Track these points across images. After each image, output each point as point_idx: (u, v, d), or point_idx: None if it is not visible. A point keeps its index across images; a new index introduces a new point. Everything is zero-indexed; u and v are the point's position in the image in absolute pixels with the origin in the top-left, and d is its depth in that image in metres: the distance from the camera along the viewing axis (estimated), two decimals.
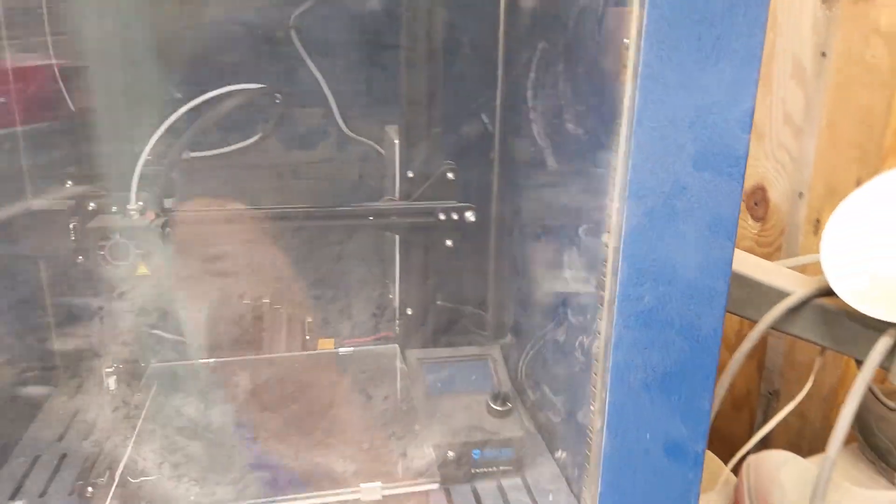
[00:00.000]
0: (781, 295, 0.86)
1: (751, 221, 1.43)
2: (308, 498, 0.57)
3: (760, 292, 0.89)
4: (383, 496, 0.57)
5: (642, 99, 0.56)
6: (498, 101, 0.98)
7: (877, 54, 1.14)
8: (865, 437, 0.96)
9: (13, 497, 0.72)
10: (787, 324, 0.86)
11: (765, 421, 1.27)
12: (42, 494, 0.73)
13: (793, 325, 0.86)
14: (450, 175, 0.82)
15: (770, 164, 1.37)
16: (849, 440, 1.03)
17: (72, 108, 0.73)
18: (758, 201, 1.41)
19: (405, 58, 0.82)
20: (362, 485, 0.56)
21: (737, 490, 0.82)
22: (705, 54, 0.56)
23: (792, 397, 0.94)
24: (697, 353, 0.64)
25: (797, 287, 0.86)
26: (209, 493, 0.54)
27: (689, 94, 0.57)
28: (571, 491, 0.76)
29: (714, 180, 0.59)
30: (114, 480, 0.57)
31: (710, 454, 1.12)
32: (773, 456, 0.82)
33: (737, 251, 1.02)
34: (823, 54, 1.20)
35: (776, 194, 1.37)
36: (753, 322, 0.88)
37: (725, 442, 1.17)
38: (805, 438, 1.35)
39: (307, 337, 0.95)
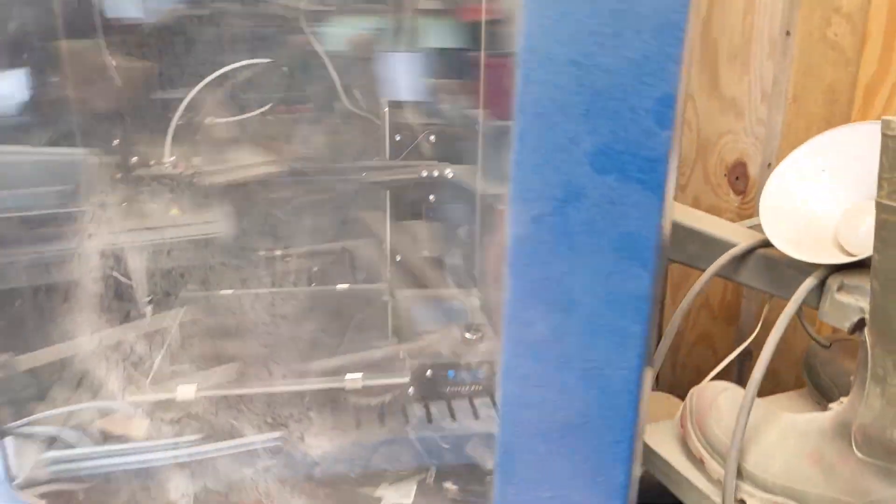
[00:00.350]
0: (729, 246, 0.97)
1: (732, 195, 1.53)
2: (304, 384, 0.70)
3: (711, 245, 1.00)
4: (363, 386, 0.70)
5: (523, 77, 0.46)
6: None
7: (839, 32, 1.24)
8: (812, 381, 1.07)
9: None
10: (732, 272, 0.97)
11: (741, 382, 1.38)
12: None
13: (738, 274, 0.97)
14: (432, 138, 0.95)
15: (749, 140, 1.47)
16: (799, 385, 1.14)
17: (118, 82, 0.88)
18: (738, 176, 1.51)
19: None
20: (347, 375, 0.70)
21: (681, 416, 0.93)
22: (602, 21, 0.45)
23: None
24: (604, 406, 0.53)
25: (743, 240, 0.97)
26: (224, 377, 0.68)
27: (583, 72, 0.46)
28: None
29: (621, 187, 0.48)
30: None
31: (672, 397, 1.23)
32: (715, 385, 0.93)
33: (693, 210, 1.14)
34: (788, 33, 1.30)
35: (755, 168, 1.47)
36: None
37: None
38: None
39: (311, 285, 1.09)
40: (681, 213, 1.10)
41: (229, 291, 0.92)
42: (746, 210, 1.53)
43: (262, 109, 1.02)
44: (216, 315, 0.85)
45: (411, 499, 0.87)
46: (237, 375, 0.71)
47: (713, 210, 1.52)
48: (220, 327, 0.81)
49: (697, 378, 1.66)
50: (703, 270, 1.03)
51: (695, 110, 1.55)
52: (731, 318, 1.60)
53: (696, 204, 1.57)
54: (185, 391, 0.67)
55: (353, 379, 0.70)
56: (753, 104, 1.44)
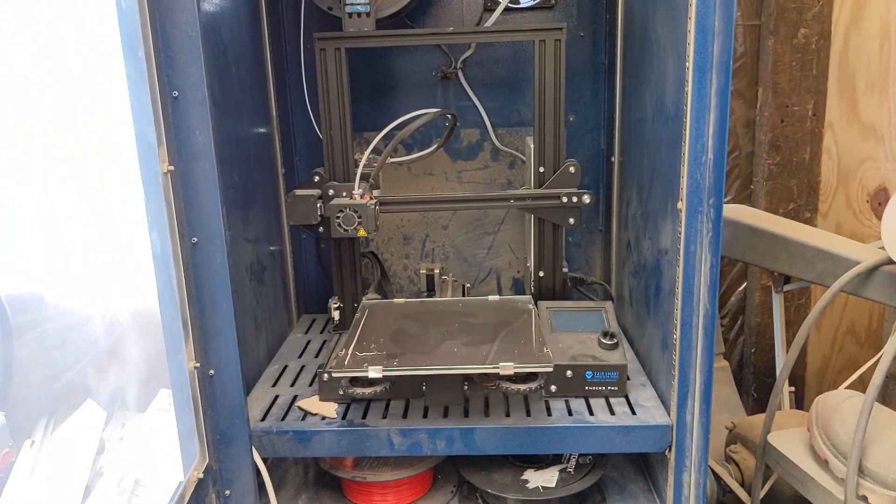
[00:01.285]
0: (854, 264, 1.04)
1: (875, 221, 1.54)
2: (466, 368, 0.87)
3: (838, 263, 1.07)
4: (515, 372, 0.86)
5: None
6: (618, 114, 1.26)
7: None
8: None
9: (273, 385, 1.10)
10: (859, 288, 1.03)
11: (884, 401, 1.38)
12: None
13: (864, 290, 1.03)
14: (571, 169, 1.11)
15: (891, 165, 1.49)
16: None
17: (320, 135, 1.12)
18: (881, 201, 1.53)
19: (537, 73, 1.11)
20: (500, 363, 0.86)
21: (808, 421, 1.00)
22: None
23: None
24: None
25: (869, 258, 1.03)
26: (400, 362, 0.87)
27: None
28: (664, 407, 1.00)
29: None
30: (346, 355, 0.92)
31: (805, 413, 1.27)
32: (839, 392, 1.00)
33: (820, 231, 1.20)
34: None
35: None
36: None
37: None
38: None
39: (466, 295, 1.27)
40: (810, 234, 1.17)
41: (402, 300, 1.12)
42: None
43: (430, 150, 1.23)
44: (393, 317, 1.05)
45: (554, 483, 1.02)
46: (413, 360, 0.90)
47: (856, 235, 1.54)
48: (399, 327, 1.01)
49: None
50: (824, 284, 1.10)
51: (834, 138, 1.59)
52: (877, 345, 1.59)
53: (839, 230, 1.60)
54: (374, 371, 0.87)
55: (506, 366, 0.86)
56: (893, 130, 1.46)
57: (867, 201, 1.55)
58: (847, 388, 1.10)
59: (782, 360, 1.37)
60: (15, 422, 1.44)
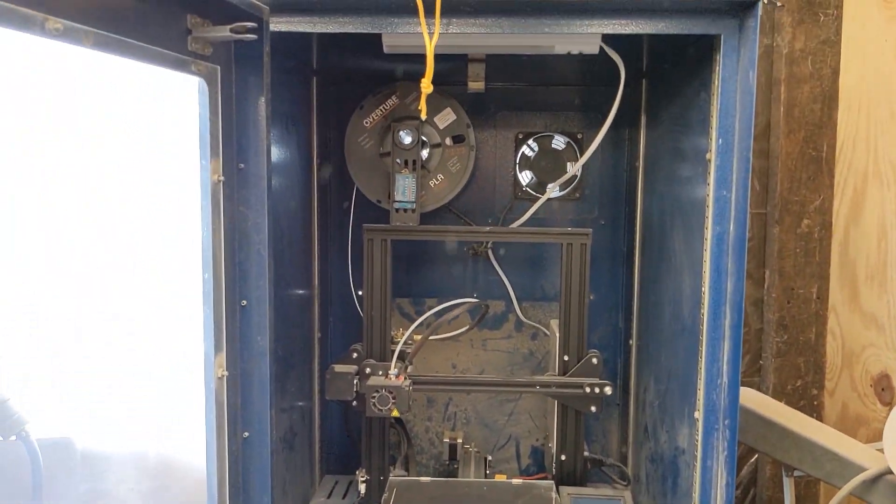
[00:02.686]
0: (859, 468, 1.09)
1: (879, 406, 1.60)
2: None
3: (845, 466, 1.12)
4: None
5: None
6: (636, 298, 1.36)
7: None
8: None
9: None
10: (865, 493, 1.08)
11: None
12: None
13: (869, 495, 1.08)
14: (594, 360, 1.19)
15: (892, 354, 1.57)
16: None
17: (358, 307, 1.22)
18: (884, 387, 1.59)
19: (563, 272, 1.21)
20: None
21: None
22: None
23: None
24: None
25: (874, 464, 1.09)
26: None
27: None
28: None
29: None
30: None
31: None
32: None
33: (827, 427, 1.26)
34: None
35: None
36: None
37: None
38: None
39: (487, 471, 1.32)
40: (819, 431, 1.23)
41: (428, 480, 1.18)
42: None
43: (463, 331, 1.32)
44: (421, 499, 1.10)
45: None
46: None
47: (861, 419, 1.60)
48: None
49: None
50: (838, 487, 1.15)
51: (838, 322, 1.68)
52: None
53: (845, 410, 1.65)
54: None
55: None
56: (893, 321, 1.55)
57: (871, 385, 1.61)
58: None
59: None
60: None
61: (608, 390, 1.17)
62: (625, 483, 1.31)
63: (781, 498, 1.72)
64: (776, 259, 1.67)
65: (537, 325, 1.46)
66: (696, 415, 0.97)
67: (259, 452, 0.90)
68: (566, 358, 1.21)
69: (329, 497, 1.36)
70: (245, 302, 0.88)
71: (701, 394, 0.96)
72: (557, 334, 1.23)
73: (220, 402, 0.85)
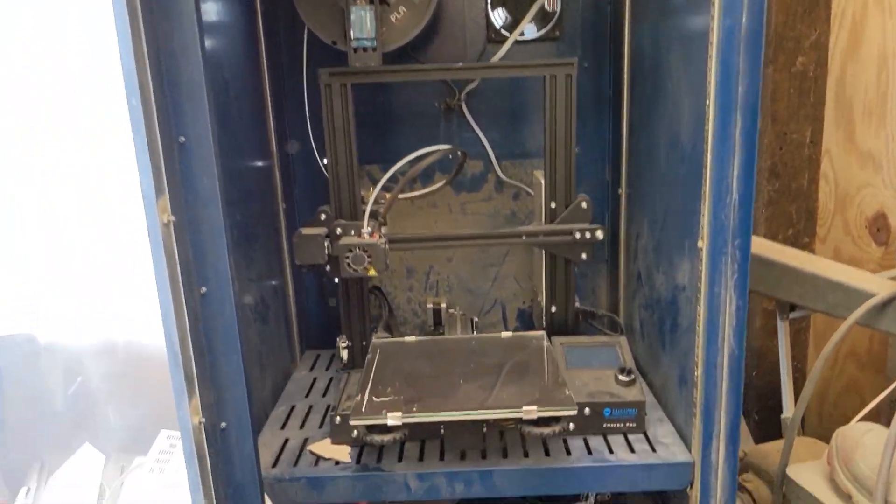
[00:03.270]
0: (869, 296, 1.03)
1: (874, 246, 1.54)
2: (489, 413, 0.84)
3: (852, 295, 1.06)
4: (538, 417, 0.84)
5: None
6: (625, 145, 1.25)
7: None
8: None
9: (282, 428, 1.07)
10: (873, 320, 1.02)
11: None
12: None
13: (878, 322, 1.02)
14: (583, 204, 1.09)
15: (889, 192, 1.50)
16: None
17: (322, 168, 1.10)
18: (880, 227, 1.53)
19: (548, 107, 1.09)
20: (524, 407, 0.83)
21: (828, 454, 0.98)
22: None
23: None
24: None
25: (883, 290, 1.02)
26: (420, 407, 0.84)
27: None
28: (684, 443, 0.97)
29: None
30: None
31: (819, 442, 1.26)
32: (860, 425, 0.98)
33: (833, 262, 1.19)
34: None
35: None
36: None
37: None
38: None
39: (475, 333, 1.24)
40: (821, 265, 1.16)
41: (413, 339, 1.09)
42: (889, 260, 1.54)
43: (438, 186, 1.21)
44: (407, 357, 1.02)
45: None
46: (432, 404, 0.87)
47: (854, 261, 1.54)
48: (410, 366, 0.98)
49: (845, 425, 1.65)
50: (843, 318, 1.09)
51: (831, 164, 1.59)
52: (879, 367, 1.59)
53: (837, 255, 1.59)
54: (394, 418, 0.84)
55: (530, 410, 0.83)
56: (891, 157, 1.47)
57: (865, 227, 1.55)
58: (860, 419, 1.08)
59: (788, 388, 1.35)
60: (7, 466, 1.39)
61: (599, 234, 1.08)
62: (617, 333, 1.24)
63: (771, 347, 1.69)
64: (769, 102, 1.56)
65: (519, 184, 1.35)
66: (700, 244, 0.88)
67: (221, 310, 0.80)
68: (553, 205, 1.11)
69: (311, 369, 1.29)
70: (184, 139, 0.75)
71: (705, 220, 0.86)
72: (542, 182, 1.12)
73: (169, 251, 0.74)
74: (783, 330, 1.33)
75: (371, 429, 0.88)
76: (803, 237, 1.65)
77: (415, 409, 0.86)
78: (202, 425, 0.77)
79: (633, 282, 1.24)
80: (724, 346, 0.85)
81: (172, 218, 0.73)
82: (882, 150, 1.48)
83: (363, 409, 0.87)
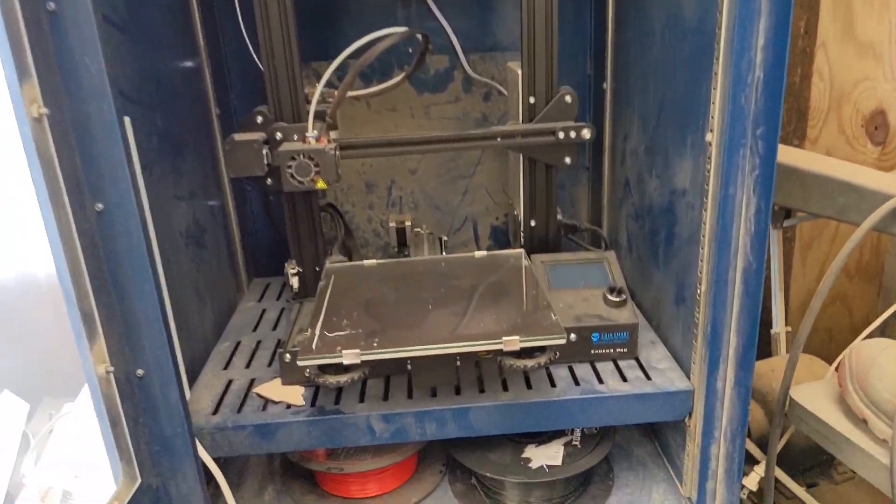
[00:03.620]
0: (886, 198, 0.90)
1: (870, 146, 1.42)
2: (462, 346, 0.71)
3: (866, 198, 0.94)
4: (521, 348, 0.70)
5: None
6: (610, 34, 1.08)
7: None
8: None
9: (225, 367, 0.92)
10: (889, 225, 0.90)
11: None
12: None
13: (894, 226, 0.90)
14: (567, 98, 0.93)
15: (889, 86, 1.36)
16: None
17: (260, 67, 0.91)
18: (878, 126, 1.41)
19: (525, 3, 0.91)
20: (504, 338, 0.70)
21: (839, 374, 0.88)
22: None
23: None
24: None
25: None
26: (381, 341, 0.70)
27: None
28: (681, 368, 0.86)
29: None
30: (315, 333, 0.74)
31: (816, 359, 1.17)
32: (874, 343, 0.88)
33: (843, 162, 1.06)
34: None
35: None
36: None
37: None
38: None
39: (444, 254, 1.10)
40: (828, 164, 1.03)
41: (373, 262, 0.94)
42: (887, 161, 1.42)
43: (397, 80, 1.03)
44: (366, 283, 0.88)
45: (559, 460, 0.88)
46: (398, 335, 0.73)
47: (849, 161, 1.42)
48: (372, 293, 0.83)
49: (830, 340, 1.58)
50: (848, 221, 0.97)
51: (826, 58, 1.44)
52: (871, 277, 1.50)
53: (830, 156, 1.47)
54: (350, 356, 0.70)
55: (511, 341, 0.70)
56: (894, 46, 1.33)
57: (862, 126, 1.42)
58: (866, 337, 0.99)
59: (780, 302, 1.25)
60: None
61: (587, 133, 0.93)
62: (599, 248, 1.11)
63: None
64: None
65: (490, 82, 1.17)
66: (709, 137, 0.74)
67: (126, 231, 0.63)
68: (532, 100, 0.94)
69: (260, 300, 1.14)
70: (53, 5, 0.56)
71: (717, 107, 0.72)
72: (519, 73, 0.95)
73: (45, 155, 0.56)
74: (775, 239, 1.21)
75: (324, 369, 0.74)
76: (792, 139, 1.52)
77: (375, 345, 0.72)
78: (111, 375, 0.61)
79: (619, 190, 1.10)
80: (737, 257, 0.72)
81: (45, 111, 0.56)
82: (884, 39, 1.34)
83: (314, 347, 0.72)
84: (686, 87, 0.81)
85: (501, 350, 0.72)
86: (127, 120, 0.65)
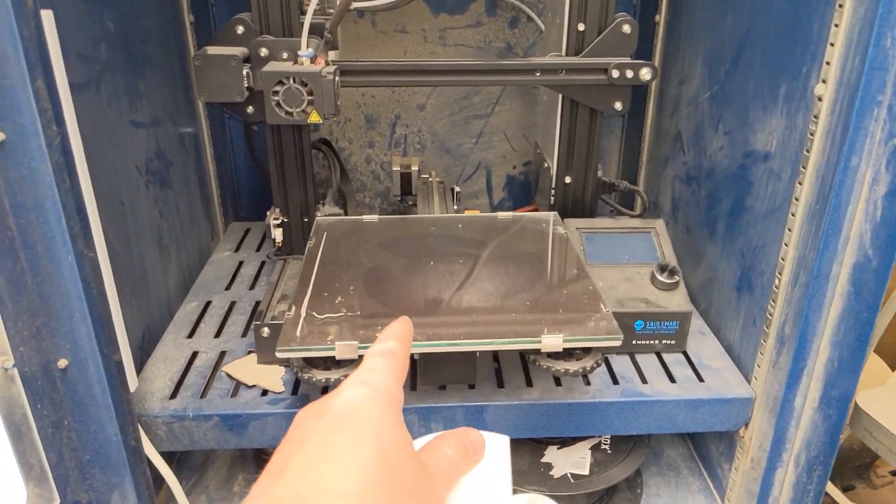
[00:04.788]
0: None
1: None
2: (489, 344, 0.54)
3: None
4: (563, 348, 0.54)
5: None
6: None
7: None
8: None
9: (190, 335, 0.76)
10: None
11: None
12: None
13: None
14: (626, 28, 0.73)
15: None
16: None
17: None
18: None
19: None
20: (543, 336, 0.53)
21: None
22: None
23: None
24: None
25: None
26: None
27: None
28: (739, 368, 0.71)
29: None
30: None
31: (877, 358, 1.02)
32: None
33: None
34: None
35: None
36: None
37: None
38: None
39: (456, 207, 0.92)
40: None
41: (374, 218, 0.76)
42: None
43: None
44: (365, 246, 0.70)
45: (587, 468, 0.73)
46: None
47: None
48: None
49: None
50: None
51: None
52: None
53: None
54: (345, 349, 0.53)
55: (552, 340, 0.54)
56: None
57: None
58: None
59: None
60: None
61: (647, 74, 0.74)
62: (638, 214, 0.94)
63: None
64: None
65: (519, 4, 0.97)
66: (819, 89, 0.56)
67: (34, 169, 0.45)
68: (582, 27, 0.75)
69: (237, 249, 0.96)
70: None
71: (836, 50, 0.53)
72: None
73: None
74: None
75: (311, 361, 0.57)
76: None
77: (377, 335, 0.55)
78: (11, 371, 0.44)
79: (665, 144, 0.92)
80: (846, 249, 0.55)
81: None
82: None
83: (298, 333, 0.55)
84: (785, 22, 0.62)
85: (539, 350, 0.55)
86: (47, 14, 0.46)
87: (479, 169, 1.08)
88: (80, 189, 0.48)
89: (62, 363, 0.47)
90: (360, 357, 0.55)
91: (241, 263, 0.91)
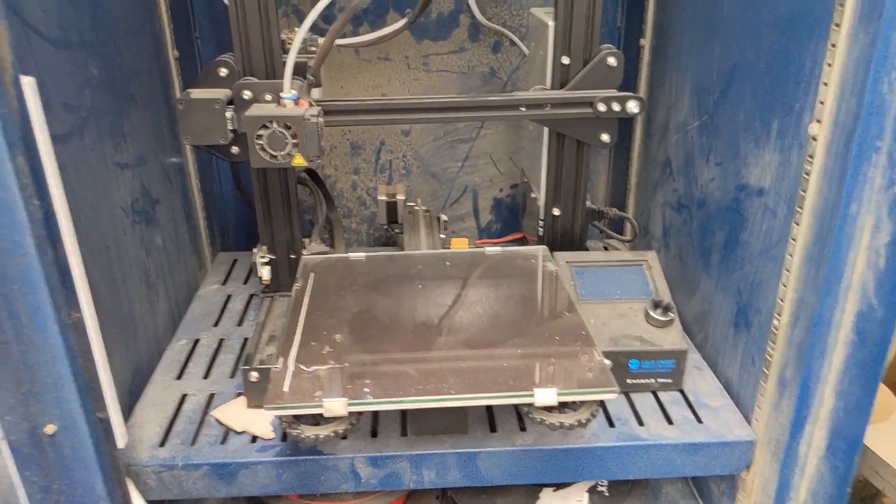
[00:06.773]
0: None
1: None
2: (479, 398, 0.51)
3: None
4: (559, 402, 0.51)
5: None
6: None
7: None
8: None
9: (179, 377, 0.72)
10: None
11: None
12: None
13: None
14: (611, 61, 0.70)
15: None
16: None
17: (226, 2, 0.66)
18: None
19: None
20: (536, 389, 0.50)
21: None
22: None
23: None
24: None
25: None
26: (375, 385, 0.50)
27: None
28: (738, 407, 0.68)
29: None
30: None
31: (885, 389, 1.00)
32: None
33: None
34: None
35: None
36: None
37: None
38: None
39: (442, 236, 0.89)
40: None
41: (360, 256, 0.73)
42: None
43: (396, 28, 0.79)
44: (352, 288, 0.67)
45: None
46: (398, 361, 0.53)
47: None
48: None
49: None
50: None
51: None
52: None
53: None
54: (333, 406, 0.50)
55: (545, 394, 0.51)
56: None
57: None
58: None
59: None
60: None
61: (634, 107, 0.71)
62: (629, 239, 0.91)
63: None
64: None
65: (502, 29, 0.94)
66: (813, 129, 0.53)
67: (12, 234, 0.41)
68: (567, 60, 0.72)
69: (225, 282, 0.93)
70: None
71: (831, 90, 0.51)
72: (551, 26, 0.72)
73: None
74: None
75: (300, 417, 0.54)
76: None
77: (367, 391, 0.52)
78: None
79: (654, 171, 0.89)
80: (849, 296, 0.52)
81: None
82: None
83: (285, 388, 0.52)
84: (774, 56, 0.60)
85: (532, 404, 0.52)
86: (29, 82, 0.42)
87: (465, 192, 1.05)
88: (66, 257, 0.45)
89: (50, 429, 0.44)
90: (349, 413, 0.52)
91: (228, 297, 0.88)
